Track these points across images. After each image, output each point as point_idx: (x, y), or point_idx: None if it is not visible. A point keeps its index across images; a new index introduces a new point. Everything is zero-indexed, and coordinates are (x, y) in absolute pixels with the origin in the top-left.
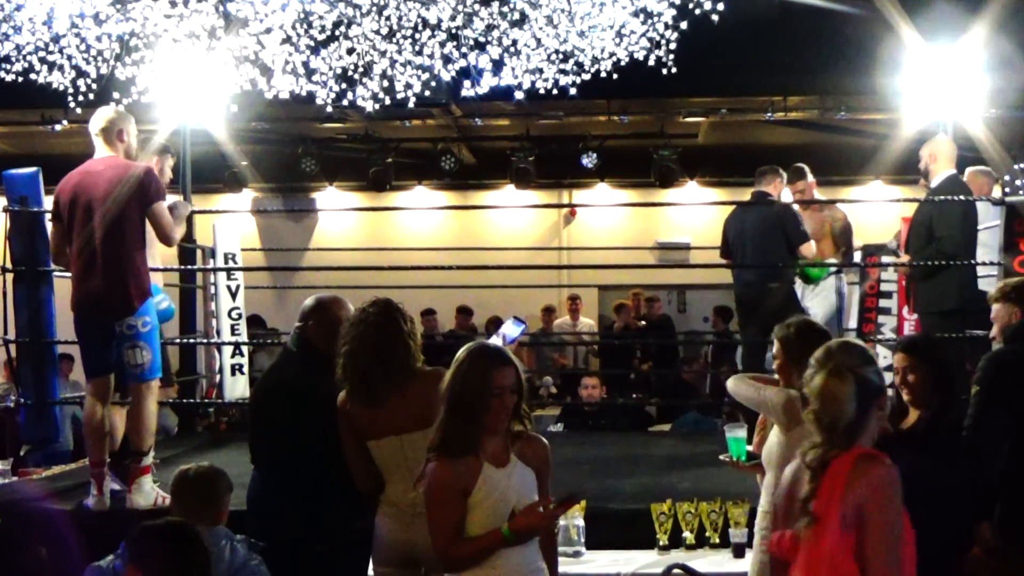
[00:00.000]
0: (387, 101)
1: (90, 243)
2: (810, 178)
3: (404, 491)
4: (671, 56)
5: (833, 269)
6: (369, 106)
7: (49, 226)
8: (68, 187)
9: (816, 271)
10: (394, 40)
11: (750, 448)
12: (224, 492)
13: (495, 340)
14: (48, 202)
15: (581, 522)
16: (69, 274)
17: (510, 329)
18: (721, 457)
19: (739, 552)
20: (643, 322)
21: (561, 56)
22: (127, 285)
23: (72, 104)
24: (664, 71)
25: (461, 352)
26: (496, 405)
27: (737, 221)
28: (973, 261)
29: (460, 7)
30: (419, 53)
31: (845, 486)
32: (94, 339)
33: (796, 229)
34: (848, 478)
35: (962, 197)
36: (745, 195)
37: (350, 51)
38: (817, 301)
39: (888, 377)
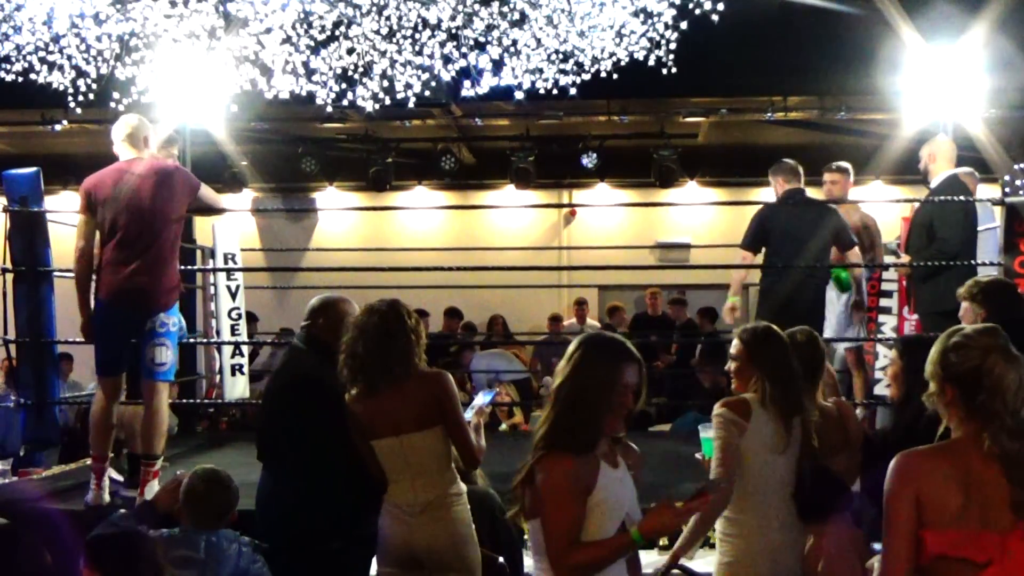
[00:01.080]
0: (387, 101)
1: (139, 238)
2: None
3: (404, 491)
4: (671, 56)
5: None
6: (369, 106)
7: (78, 219)
8: (107, 183)
9: (847, 276)
10: (394, 40)
11: None
12: (233, 496)
13: (468, 413)
14: (48, 202)
15: None
16: (71, 273)
17: (481, 400)
18: (696, 456)
19: None
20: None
21: (561, 56)
22: (170, 281)
23: (72, 104)
24: (664, 71)
25: (577, 344)
26: (619, 404)
27: (783, 217)
28: (974, 262)
29: (460, 7)
30: (419, 53)
31: None
32: (120, 335)
33: (848, 234)
34: None
35: (962, 198)
36: (746, 195)
37: (350, 51)
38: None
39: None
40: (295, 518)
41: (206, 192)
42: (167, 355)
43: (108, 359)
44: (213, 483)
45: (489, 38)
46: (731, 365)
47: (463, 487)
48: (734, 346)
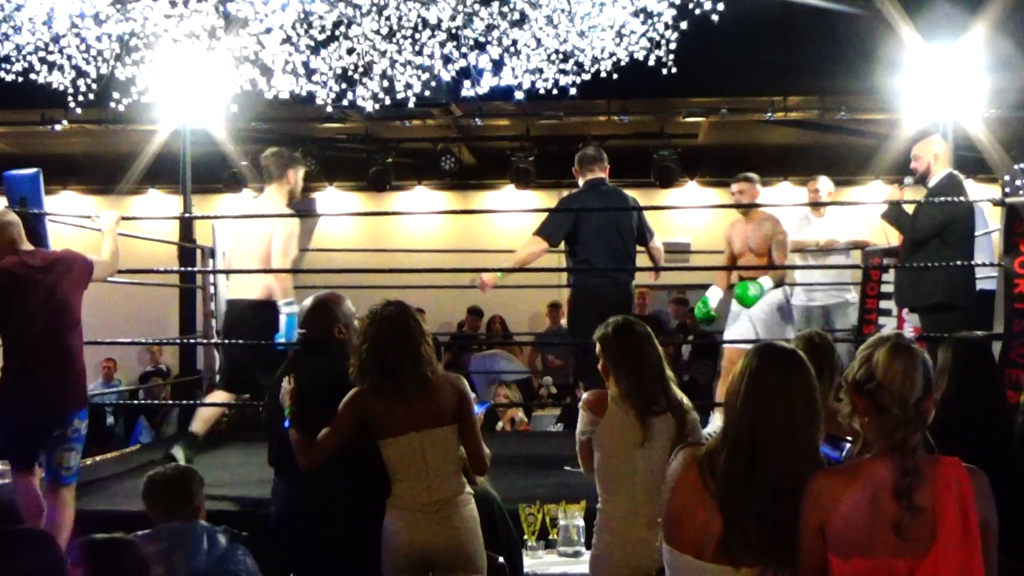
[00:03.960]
0: (387, 101)
1: (38, 336)
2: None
3: (419, 490)
4: (671, 56)
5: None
6: (369, 106)
7: None
8: (6, 281)
9: (752, 296)
10: (394, 40)
11: None
12: (196, 489)
13: None
14: (48, 203)
15: (581, 522)
16: None
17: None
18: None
19: None
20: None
21: (561, 56)
22: (83, 378)
23: (72, 104)
24: (664, 71)
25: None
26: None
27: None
28: (971, 262)
29: (460, 7)
30: (419, 53)
31: (976, 499)
32: (27, 437)
33: (647, 225)
34: (975, 489)
35: (962, 198)
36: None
37: (350, 51)
38: (760, 308)
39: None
40: (328, 525)
41: (99, 268)
42: (76, 459)
43: (14, 455)
44: (168, 474)
45: (489, 38)
46: (600, 362)
47: (471, 489)
48: (596, 343)
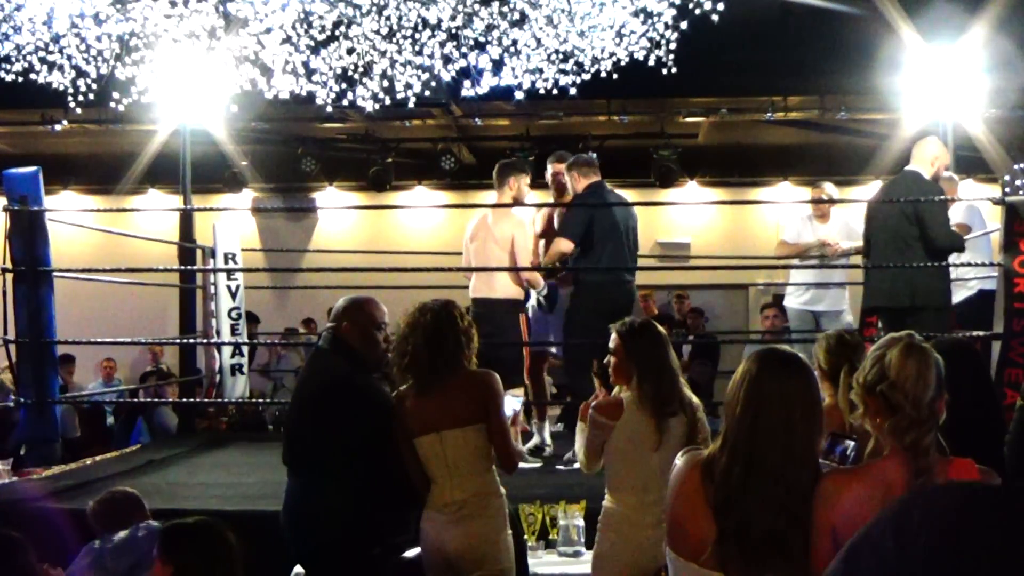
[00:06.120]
0: (387, 101)
1: None
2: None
3: (443, 491)
4: (671, 56)
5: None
6: (369, 106)
7: None
8: None
9: None
10: (394, 40)
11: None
12: (130, 501)
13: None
14: (48, 202)
15: (581, 522)
16: (71, 273)
17: (511, 403)
18: None
19: None
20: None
21: (561, 56)
22: None
23: (72, 104)
24: (664, 71)
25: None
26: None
27: (601, 212)
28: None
29: (460, 7)
30: (419, 53)
31: None
32: None
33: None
34: None
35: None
36: (746, 194)
37: (350, 51)
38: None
39: None
40: (329, 526)
41: None
42: None
43: None
44: (109, 497)
45: (489, 38)
46: (610, 359)
47: (503, 491)
48: (612, 340)
